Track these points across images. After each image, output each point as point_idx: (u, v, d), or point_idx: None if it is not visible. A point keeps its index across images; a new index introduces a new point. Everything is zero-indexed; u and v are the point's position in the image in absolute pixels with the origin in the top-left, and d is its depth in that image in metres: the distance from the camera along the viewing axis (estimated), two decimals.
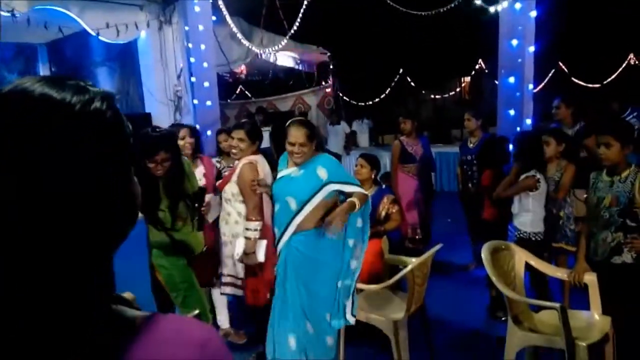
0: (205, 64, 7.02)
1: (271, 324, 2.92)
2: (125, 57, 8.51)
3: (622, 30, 11.85)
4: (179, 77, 7.65)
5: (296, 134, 2.79)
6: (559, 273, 3.23)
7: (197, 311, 2.57)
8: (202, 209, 3.02)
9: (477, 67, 15.38)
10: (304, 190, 2.81)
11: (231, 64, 8.34)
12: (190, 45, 7.10)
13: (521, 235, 3.51)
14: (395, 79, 15.59)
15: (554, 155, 3.85)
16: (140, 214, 2.80)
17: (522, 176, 3.51)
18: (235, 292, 3.39)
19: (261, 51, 8.14)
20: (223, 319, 3.79)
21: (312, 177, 2.82)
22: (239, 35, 7.21)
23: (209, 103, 7.00)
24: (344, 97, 14.13)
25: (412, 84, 15.81)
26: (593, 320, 2.92)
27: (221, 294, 3.52)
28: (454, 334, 3.74)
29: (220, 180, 3.51)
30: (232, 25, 6.97)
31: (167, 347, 0.57)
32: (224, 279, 3.40)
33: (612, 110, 5.54)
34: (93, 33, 6.97)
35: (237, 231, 3.25)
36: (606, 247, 2.90)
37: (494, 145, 4.15)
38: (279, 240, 2.91)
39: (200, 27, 6.91)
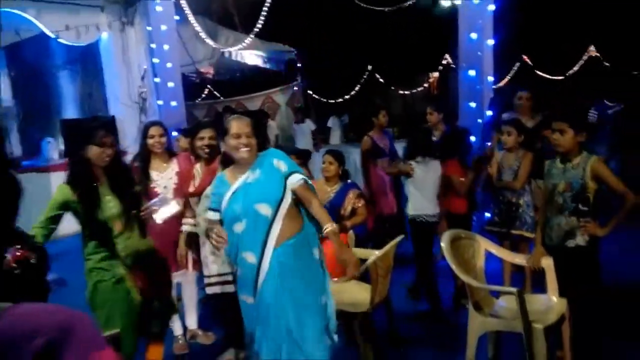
0: (169, 65, 6.95)
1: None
2: (87, 60, 8.34)
3: (581, 23, 12.19)
4: (142, 78, 7.55)
5: (239, 125, 2.48)
6: (518, 259, 3.32)
7: (115, 331, 2.22)
8: (142, 213, 2.75)
9: (444, 62, 15.61)
10: (274, 189, 2.43)
11: (197, 64, 8.27)
12: (153, 45, 7.01)
13: (407, 217, 4.06)
14: (365, 76, 15.71)
15: (514, 146, 3.97)
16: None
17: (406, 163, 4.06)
18: (224, 289, 3.25)
19: (227, 50, 8.08)
20: (192, 320, 3.76)
21: (273, 172, 2.46)
22: (203, 35, 7.15)
23: (174, 104, 6.94)
24: (314, 95, 14.17)
25: (381, 80, 15.96)
26: (550, 303, 3.00)
27: (208, 294, 3.39)
28: (419, 324, 3.80)
29: (197, 182, 3.35)
30: (195, 24, 6.91)
31: (20, 322, 0.55)
32: (208, 280, 3.31)
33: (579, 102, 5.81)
34: (52, 35, 6.82)
35: None
36: (561, 232, 2.99)
37: (455, 137, 4.24)
38: (259, 266, 2.41)
39: (163, 27, 6.83)
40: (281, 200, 2.41)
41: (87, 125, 2.71)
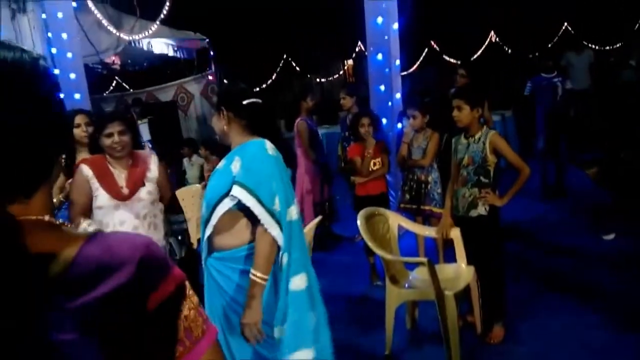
0: (69, 55, 6.49)
1: None
2: None
3: (483, 10, 12.94)
4: None
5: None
6: (428, 232, 3.50)
7: None
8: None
9: (357, 49, 15.93)
10: (215, 190, 2.03)
11: (101, 54, 7.79)
12: (50, 34, 6.52)
13: None
14: (281, 64, 15.67)
15: (421, 127, 4.17)
16: None
17: None
18: None
19: (133, 39, 7.70)
20: None
21: (227, 170, 2.02)
22: (105, 23, 6.76)
23: (77, 96, 6.50)
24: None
25: (297, 68, 16.01)
26: (459, 270, 3.19)
27: None
28: (342, 303, 3.89)
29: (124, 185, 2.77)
30: (96, 11, 6.51)
31: (115, 247, 0.69)
32: None
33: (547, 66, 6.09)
34: None
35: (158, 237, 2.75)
36: (464, 203, 3.18)
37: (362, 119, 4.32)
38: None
39: (60, 15, 6.37)
40: (214, 207, 2.01)
41: None
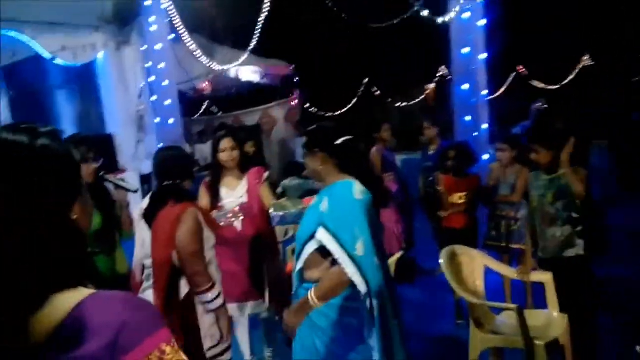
0: (165, 82, 6.98)
1: None
2: (84, 79, 8.36)
3: (575, 32, 12.29)
4: (140, 96, 7.57)
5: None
6: (516, 275, 3.30)
7: None
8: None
9: (439, 74, 15.71)
10: (306, 227, 2.05)
11: (193, 81, 8.31)
12: (148, 64, 7.05)
13: None
14: (361, 89, 15.82)
15: (509, 161, 3.99)
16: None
17: None
18: None
19: (223, 67, 8.13)
20: None
21: (317, 209, 2.02)
22: (198, 53, 7.20)
23: (171, 121, 6.96)
24: (312, 109, 14.24)
25: (378, 92, 16.07)
26: (551, 318, 2.98)
27: None
28: (424, 343, 3.74)
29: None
30: (190, 43, 6.96)
31: (102, 308, 0.73)
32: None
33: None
34: (48, 56, 6.84)
35: None
36: (556, 242, 2.98)
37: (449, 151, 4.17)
38: None
39: (158, 46, 6.88)
40: (305, 244, 2.01)
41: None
